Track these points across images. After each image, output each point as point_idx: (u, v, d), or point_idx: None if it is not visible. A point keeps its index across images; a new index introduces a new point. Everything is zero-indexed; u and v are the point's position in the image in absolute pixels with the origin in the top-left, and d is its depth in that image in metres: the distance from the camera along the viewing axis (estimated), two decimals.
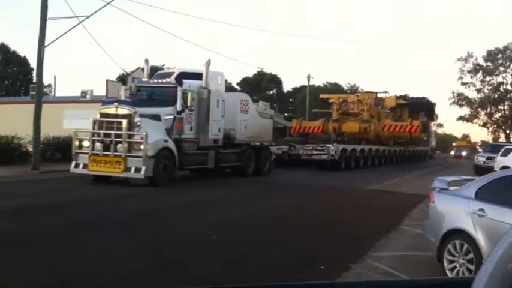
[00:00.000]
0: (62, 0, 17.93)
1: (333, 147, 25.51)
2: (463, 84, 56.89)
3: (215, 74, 18.19)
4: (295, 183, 18.90)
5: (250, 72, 72.69)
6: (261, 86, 61.74)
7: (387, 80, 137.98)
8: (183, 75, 17.49)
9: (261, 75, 62.81)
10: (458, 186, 6.55)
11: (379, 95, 40.06)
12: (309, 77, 53.22)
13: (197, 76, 17.34)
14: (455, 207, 6.21)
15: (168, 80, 16.85)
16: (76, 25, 20.37)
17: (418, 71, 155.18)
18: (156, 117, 15.73)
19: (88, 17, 20.42)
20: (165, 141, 15.35)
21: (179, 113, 16.04)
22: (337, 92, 48.85)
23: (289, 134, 38.08)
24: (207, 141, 17.38)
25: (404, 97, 39.63)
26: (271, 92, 66.15)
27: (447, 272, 6.11)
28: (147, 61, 18.27)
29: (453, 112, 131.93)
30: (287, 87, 70.85)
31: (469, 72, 56.78)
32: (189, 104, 16.30)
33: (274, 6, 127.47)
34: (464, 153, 66.10)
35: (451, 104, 59.24)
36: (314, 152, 25.66)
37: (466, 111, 60.49)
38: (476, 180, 6.44)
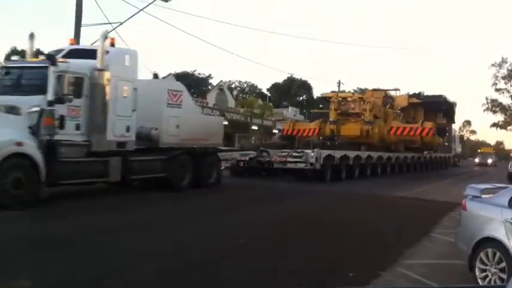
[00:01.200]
0: (96, 7, 18.12)
1: (312, 154, 20.32)
2: (497, 90, 52.83)
3: (121, 52, 13.36)
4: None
5: (280, 78, 72.72)
6: (291, 92, 61.65)
7: (418, 86, 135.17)
8: (77, 53, 12.79)
9: (291, 81, 61.71)
10: (491, 194, 6.49)
11: (389, 93, 34.76)
12: (339, 82, 51.95)
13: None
14: (488, 216, 6.13)
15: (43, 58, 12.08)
16: (110, 31, 19.32)
17: (451, 76, 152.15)
18: (14, 110, 11.03)
19: (121, 24, 20.55)
20: (18, 144, 10.58)
21: (51, 103, 11.25)
22: None
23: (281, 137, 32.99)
24: (105, 144, 12.53)
25: (417, 95, 34.13)
26: (301, 98, 66.19)
27: (479, 280, 6.05)
28: (31, 36, 13.50)
29: (487, 119, 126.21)
30: (317, 93, 69.84)
31: (503, 78, 52.99)
32: (65, 92, 11.49)
33: (305, 12, 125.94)
34: (490, 161, 59.66)
35: (484, 110, 55.10)
36: (289, 159, 20.53)
37: (499, 117, 56.77)
38: (510, 188, 6.44)
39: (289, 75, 64.41)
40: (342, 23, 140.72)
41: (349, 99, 30.43)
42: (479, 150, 74.08)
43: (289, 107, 60.81)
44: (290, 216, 11.86)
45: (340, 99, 30.25)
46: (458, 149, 54.77)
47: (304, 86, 66.69)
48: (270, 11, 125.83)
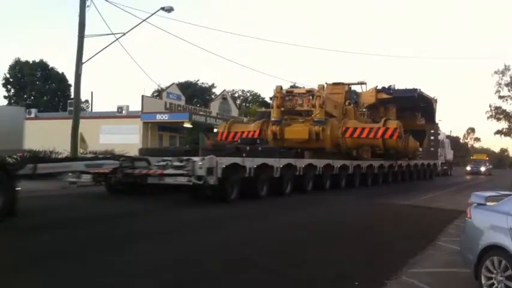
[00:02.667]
0: (99, 18, 19.02)
1: (201, 163, 14.20)
2: (501, 97, 49.78)
3: None
4: None
5: (283, 87, 70.47)
6: None
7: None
8: None
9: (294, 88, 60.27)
10: (496, 201, 6.50)
11: (353, 88, 28.67)
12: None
13: None
14: (493, 223, 6.10)
15: None
16: (113, 42, 21.17)
17: (455, 82, 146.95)
18: None
19: (124, 34, 21.31)
20: None
21: None
22: None
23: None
24: None
25: (387, 90, 28.06)
26: None
27: None
28: None
29: (491, 126, 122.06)
30: None
31: (506, 85, 50.58)
32: None
33: (308, 21, 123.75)
34: (483, 169, 53.24)
35: (488, 117, 52.37)
36: (167, 172, 14.36)
37: (503, 125, 53.51)
38: None
39: (292, 84, 63.70)
40: (345, 31, 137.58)
41: (295, 93, 24.29)
42: (471, 157, 67.50)
43: None
44: None
45: (285, 93, 24.15)
46: (449, 156, 48.36)
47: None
48: (272, 20, 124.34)
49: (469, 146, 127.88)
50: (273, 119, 24.35)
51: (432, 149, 38.59)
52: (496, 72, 53.59)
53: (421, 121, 31.62)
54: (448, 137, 56.49)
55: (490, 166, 57.66)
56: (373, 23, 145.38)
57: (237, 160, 15.83)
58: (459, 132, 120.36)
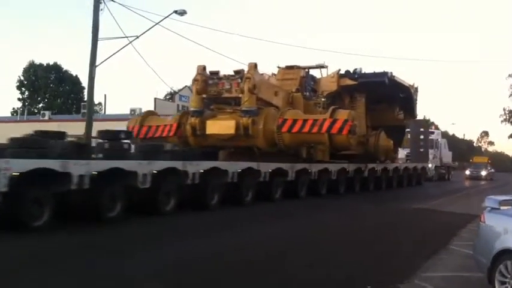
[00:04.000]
0: (113, 21, 18.10)
1: None
2: None
3: None
4: None
5: None
6: None
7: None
8: None
9: None
10: (510, 205, 6.53)
11: (310, 73, 23.01)
12: None
13: None
14: (507, 227, 6.12)
15: None
16: (126, 45, 21.20)
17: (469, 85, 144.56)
18: None
19: (137, 37, 21.08)
20: None
21: None
22: None
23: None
24: None
25: (351, 74, 22.31)
26: None
27: None
28: None
29: (506, 130, 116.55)
30: None
31: None
32: None
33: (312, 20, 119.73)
34: (483, 173, 46.84)
35: (502, 121, 49.20)
36: None
37: None
38: None
39: None
40: (349, 31, 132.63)
41: (222, 75, 18.66)
42: (470, 160, 60.95)
43: None
44: None
45: (208, 74, 18.54)
46: (447, 158, 42.15)
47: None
48: (279, 19, 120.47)
49: (482, 149, 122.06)
50: (192, 108, 18.77)
51: (422, 149, 32.67)
52: (510, 75, 52.75)
53: (399, 115, 25.73)
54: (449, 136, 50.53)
55: (492, 170, 51.29)
56: (381, 22, 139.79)
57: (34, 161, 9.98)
58: (473, 136, 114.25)
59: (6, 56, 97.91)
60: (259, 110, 17.94)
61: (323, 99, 22.10)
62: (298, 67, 22.73)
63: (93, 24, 20.43)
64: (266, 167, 16.32)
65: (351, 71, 22.85)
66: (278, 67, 23.32)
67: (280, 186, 17.27)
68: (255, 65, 18.07)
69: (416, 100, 25.51)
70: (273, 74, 23.12)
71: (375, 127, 24.40)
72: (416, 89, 25.43)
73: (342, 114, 17.55)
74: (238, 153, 17.99)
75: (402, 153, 36.45)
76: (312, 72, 23.41)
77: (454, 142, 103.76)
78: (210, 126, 18.09)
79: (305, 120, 17.59)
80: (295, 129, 17.53)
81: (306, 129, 17.46)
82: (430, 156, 37.04)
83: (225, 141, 18.15)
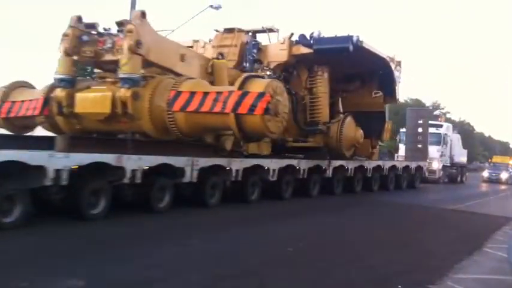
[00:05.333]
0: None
1: None
2: None
3: None
4: None
5: None
6: None
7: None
8: None
9: None
10: None
11: (252, 38, 17.32)
12: None
13: None
14: None
15: None
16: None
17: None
18: None
19: (173, 31, 18.70)
20: None
21: None
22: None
23: None
24: None
25: (305, 40, 16.50)
26: None
27: None
28: None
29: None
30: None
31: None
32: None
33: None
34: (504, 176, 39.95)
35: None
36: None
37: None
38: None
39: None
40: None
41: (102, 30, 13.07)
42: (489, 160, 53.57)
43: None
44: None
45: (83, 29, 12.98)
46: (460, 157, 35.76)
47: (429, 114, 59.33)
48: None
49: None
50: (56, 76, 13.26)
51: (420, 145, 26.53)
52: None
53: (376, 95, 19.71)
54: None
55: None
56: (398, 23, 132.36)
57: None
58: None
59: None
60: (147, 79, 12.41)
61: (268, 73, 16.40)
62: (241, 30, 17.10)
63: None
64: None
65: (308, 36, 17.02)
66: (216, 30, 17.73)
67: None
68: (143, 14, 12.45)
69: (398, 78, 19.44)
70: (210, 41, 17.66)
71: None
72: (398, 63, 19.35)
73: (257, 85, 11.85)
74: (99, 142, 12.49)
75: (403, 149, 30.46)
76: (262, 39, 17.77)
77: (487, 143, 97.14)
78: (80, 101, 12.63)
79: (206, 94, 11.90)
80: (192, 107, 11.89)
81: (206, 107, 11.80)
82: (436, 154, 30.97)
83: (102, 123, 12.65)
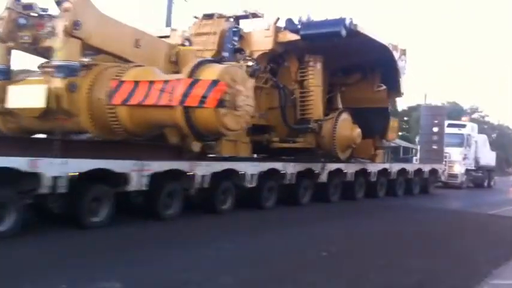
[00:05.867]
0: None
1: None
2: None
3: None
4: None
5: None
6: None
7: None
8: None
9: None
10: None
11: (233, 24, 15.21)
12: (425, 95, 45.61)
13: None
14: None
15: None
16: None
17: None
18: None
19: None
20: None
21: None
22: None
23: None
24: None
25: (293, 25, 14.26)
26: None
27: None
28: None
29: None
30: (402, 105, 62.85)
31: None
32: None
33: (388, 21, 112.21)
34: None
35: None
36: None
37: None
38: None
39: None
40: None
41: (42, 12, 11.12)
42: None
43: None
44: None
45: (22, 8, 11.05)
46: (488, 160, 32.75)
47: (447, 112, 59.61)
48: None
49: None
50: None
51: (435, 146, 23.93)
52: None
53: (378, 88, 17.29)
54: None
55: None
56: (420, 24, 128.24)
57: None
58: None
59: None
60: (89, 68, 10.45)
61: (251, 64, 14.25)
62: (221, 16, 15.04)
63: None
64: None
65: (296, 21, 14.81)
66: (195, 17, 15.72)
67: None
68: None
69: (403, 68, 16.96)
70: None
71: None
72: (403, 52, 16.87)
73: (211, 71, 9.70)
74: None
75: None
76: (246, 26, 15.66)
77: None
78: (12, 95, 10.74)
79: (151, 84, 9.83)
80: (135, 99, 9.85)
81: (152, 99, 9.73)
82: (459, 157, 28.23)
83: (38, 121, 10.73)
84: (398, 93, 17.35)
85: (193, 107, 9.33)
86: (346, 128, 15.21)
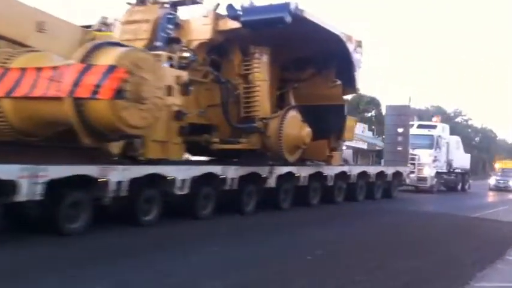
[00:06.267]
0: None
1: None
2: None
3: None
4: None
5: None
6: (360, 107, 58.79)
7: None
8: None
9: (359, 96, 58.20)
10: None
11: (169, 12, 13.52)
12: (409, 99, 41.06)
13: None
14: None
15: None
16: None
17: None
18: None
19: None
20: None
21: None
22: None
23: None
24: None
25: (233, 11, 12.73)
26: (370, 114, 63.02)
27: None
28: None
29: None
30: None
31: None
32: None
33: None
34: None
35: None
36: None
37: None
38: None
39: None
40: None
41: None
42: (494, 164, 48.58)
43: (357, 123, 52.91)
44: None
45: None
46: (462, 162, 31.54)
47: (373, 102, 63.32)
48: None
49: None
50: None
51: (400, 148, 22.60)
52: None
53: (334, 87, 15.80)
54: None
55: None
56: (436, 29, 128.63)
57: None
58: None
59: None
60: None
61: (187, 55, 12.63)
62: (156, 1, 13.40)
63: None
64: None
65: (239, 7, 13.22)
66: (128, 3, 14.03)
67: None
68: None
69: (359, 62, 15.46)
70: None
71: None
72: (358, 44, 15.37)
73: (108, 56, 8.05)
74: None
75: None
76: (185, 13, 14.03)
77: (510, 149, 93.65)
78: None
79: (39, 71, 8.12)
80: (21, 91, 8.12)
81: (40, 90, 8.03)
82: (429, 159, 27.00)
83: None
84: (354, 89, 15.84)
85: (84, 98, 7.66)
86: (294, 126, 13.65)
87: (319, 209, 15.87)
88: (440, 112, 71.85)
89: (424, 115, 53.40)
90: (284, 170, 14.57)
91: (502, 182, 36.07)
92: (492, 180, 37.00)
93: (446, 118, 74.87)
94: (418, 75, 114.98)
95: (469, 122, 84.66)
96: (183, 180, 11.38)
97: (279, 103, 15.35)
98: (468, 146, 73.73)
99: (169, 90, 11.27)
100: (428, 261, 8.70)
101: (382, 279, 7.33)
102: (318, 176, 16.05)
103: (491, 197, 30.84)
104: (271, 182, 14.07)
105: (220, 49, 13.78)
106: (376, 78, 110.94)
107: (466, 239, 12.05)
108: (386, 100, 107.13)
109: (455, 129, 71.46)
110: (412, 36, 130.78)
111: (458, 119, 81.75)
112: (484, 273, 8.09)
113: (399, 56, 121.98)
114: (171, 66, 11.90)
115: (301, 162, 16.29)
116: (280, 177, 14.39)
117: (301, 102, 15.44)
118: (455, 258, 9.28)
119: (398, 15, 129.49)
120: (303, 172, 15.31)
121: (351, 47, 14.70)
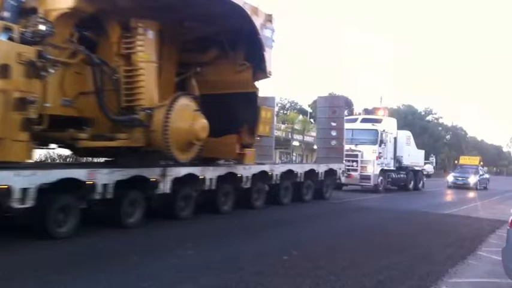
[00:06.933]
0: None
1: None
2: None
3: None
4: None
5: (321, 94, 69.81)
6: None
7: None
8: None
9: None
10: None
11: None
12: (381, 98, 46.29)
13: None
14: None
15: None
16: None
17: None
18: None
19: None
20: None
21: None
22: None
23: None
24: None
25: None
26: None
27: None
28: None
29: None
30: (358, 109, 61.76)
31: None
32: None
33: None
34: (472, 181, 34.16)
35: None
36: None
37: None
38: None
39: (330, 92, 58.14)
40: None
41: None
42: (455, 162, 47.71)
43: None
44: None
45: None
46: (415, 159, 29.67)
47: (346, 102, 60.98)
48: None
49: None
50: None
51: (334, 143, 20.31)
52: None
53: (242, 71, 13.22)
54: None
55: (486, 175, 38.60)
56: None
57: None
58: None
59: None
60: None
61: (42, 28, 9.82)
62: None
63: None
64: None
65: None
66: None
67: None
68: None
69: (270, 39, 12.92)
70: None
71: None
72: (268, 19, 12.82)
73: None
74: None
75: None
76: None
77: (482, 148, 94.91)
78: None
79: None
80: None
81: None
82: (372, 156, 24.87)
83: None
84: (265, 73, 13.27)
85: None
86: (184, 118, 10.92)
87: (231, 216, 13.33)
88: (411, 111, 71.79)
89: (395, 114, 52.87)
90: (182, 171, 11.97)
91: (460, 178, 34.91)
92: (450, 178, 35.85)
93: (418, 117, 75.23)
94: (389, 75, 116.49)
95: (440, 121, 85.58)
96: (26, 189, 8.63)
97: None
98: (439, 144, 74.44)
99: (3, 71, 8.56)
100: (400, 259, 8.77)
101: (353, 277, 7.26)
102: (230, 178, 13.51)
103: (445, 196, 29.01)
104: (166, 187, 11.44)
105: (93, 22, 11.02)
106: (349, 79, 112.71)
107: (440, 235, 11.90)
108: (359, 99, 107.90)
109: (427, 127, 72.07)
110: (385, 36, 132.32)
111: (429, 117, 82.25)
112: (456, 269, 8.18)
113: (370, 54, 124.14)
114: (11, 39, 9.13)
115: (212, 162, 13.78)
116: (178, 181, 11.78)
117: (207, 91, 12.90)
118: (427, 255, 9.30)
119: (373, 16, 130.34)
120: (208, 173, 12.74)
121: (257, 21, 12.14)
